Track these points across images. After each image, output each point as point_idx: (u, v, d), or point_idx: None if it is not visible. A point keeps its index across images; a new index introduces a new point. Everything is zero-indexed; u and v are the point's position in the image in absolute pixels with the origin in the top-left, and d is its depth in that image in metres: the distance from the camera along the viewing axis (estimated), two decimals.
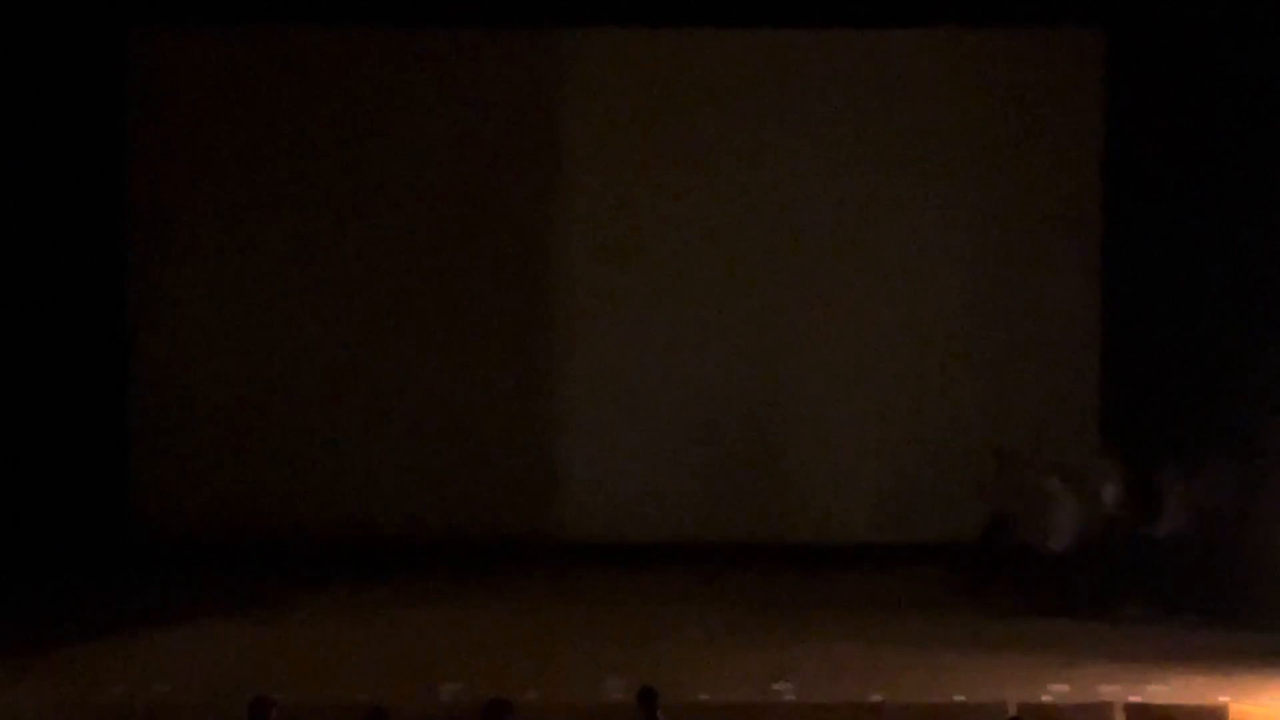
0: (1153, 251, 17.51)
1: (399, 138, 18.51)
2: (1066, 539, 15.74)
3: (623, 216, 18.61)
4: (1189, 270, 16.92)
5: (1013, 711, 11.84)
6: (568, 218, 18.63)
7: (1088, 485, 15.94)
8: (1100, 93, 18.36)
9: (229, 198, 18.51)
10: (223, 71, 18.47)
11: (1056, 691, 12.90)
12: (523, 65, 18.58)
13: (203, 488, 18.32)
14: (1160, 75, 17.48)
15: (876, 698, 12.69)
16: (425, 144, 18.54)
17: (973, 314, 18.61)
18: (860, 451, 18.42)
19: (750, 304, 18.62)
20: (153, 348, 18.46)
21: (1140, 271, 17.76)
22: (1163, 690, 12.93)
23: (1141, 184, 17.74)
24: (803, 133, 18.55)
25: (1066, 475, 16.01)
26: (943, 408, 18.46)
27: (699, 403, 18.48)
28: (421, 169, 18.55)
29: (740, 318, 18.59)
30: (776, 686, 13.03)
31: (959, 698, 12.71)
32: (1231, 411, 16.07)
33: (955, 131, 18.48)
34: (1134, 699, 12.65)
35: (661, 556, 17.42)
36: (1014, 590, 16.01)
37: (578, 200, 18.62)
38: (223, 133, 18.46)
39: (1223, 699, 12.66)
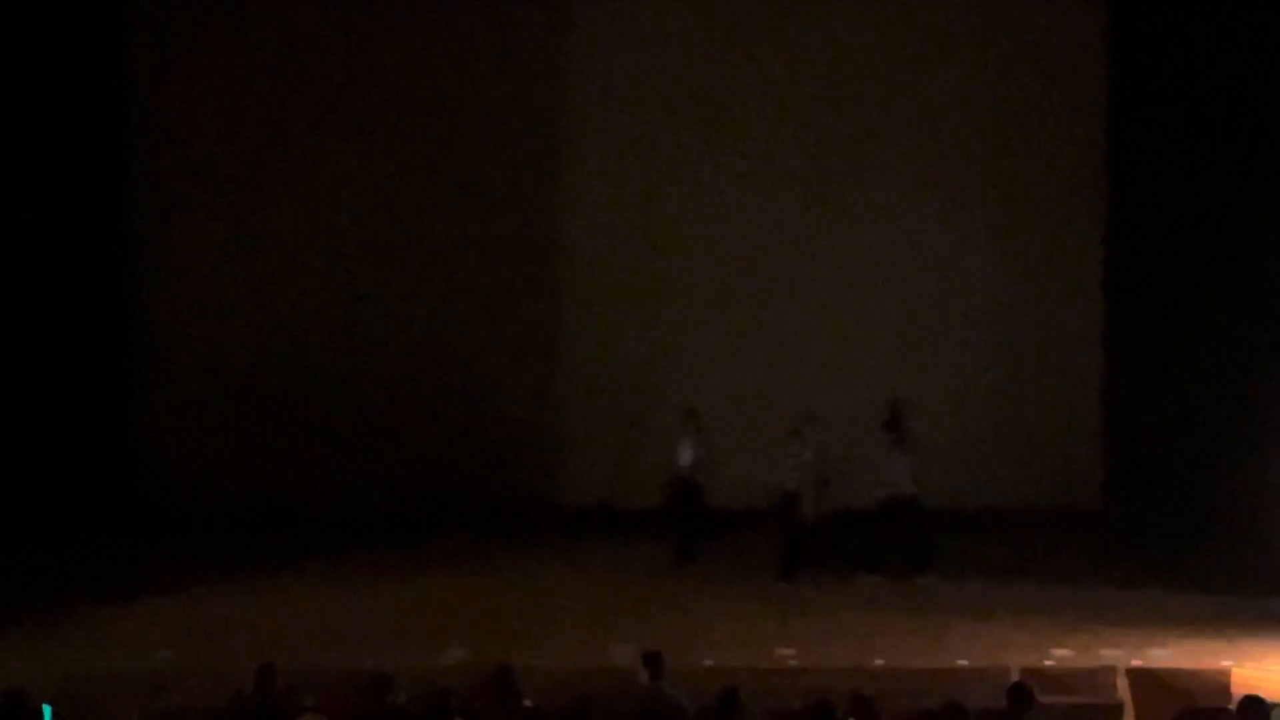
0: (1157, 229, 17.54)
1: (408, 107, 18.48)
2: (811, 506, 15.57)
3: (631, 193, 18.62)
4: (1194, 249, 16.94)
5: (1015, 676, 11.84)
6: (578, 193, 18.64)
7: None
8: (1103, 64, 18.35)
9: (236, 166, 18.53)
10: (229, 28, 18.44)
11: (1059, 656, 12.95)
12: (527, 22, 18.56)
13: (208, 458, 18.37)
14: (1160, 48, 17.50)
15: (880, 662, 12.74)
16: (435, 113, 18.52)
17: (975, 290, 18.65)
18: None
19: (755, 278, 18.66)
20: (159, 320, 18.55)
21: (1145, 250, 17.78)
22: (1165, 655, 12.99)
23: (1144, 164, 17.75)
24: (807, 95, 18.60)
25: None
26: (957, 385, 18.52)
27: (704, 378, 18.47)
28: (427, 147, 18.52)
29: (745, 296, 18.63)
30: (781, 651, 13.08)
31: (962, 662, 12.76)
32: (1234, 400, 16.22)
33: (961, 100, 18.51)
34: (1136, 663, 12.70)
35: (666, 525, 17.38)
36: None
37: (587, 177, 18.64)
38: (226, 94, 18.44)
39: (1225, 663, 12.70)
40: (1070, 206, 18.56)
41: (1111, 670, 12.60)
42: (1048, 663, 12.77)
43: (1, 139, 16.98)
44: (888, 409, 15.89)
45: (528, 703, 10.88)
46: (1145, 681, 12.42)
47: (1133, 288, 18.05)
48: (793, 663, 12.84)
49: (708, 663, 12.47)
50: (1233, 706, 10.49)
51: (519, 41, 18.53)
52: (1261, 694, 10.11)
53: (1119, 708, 12.19)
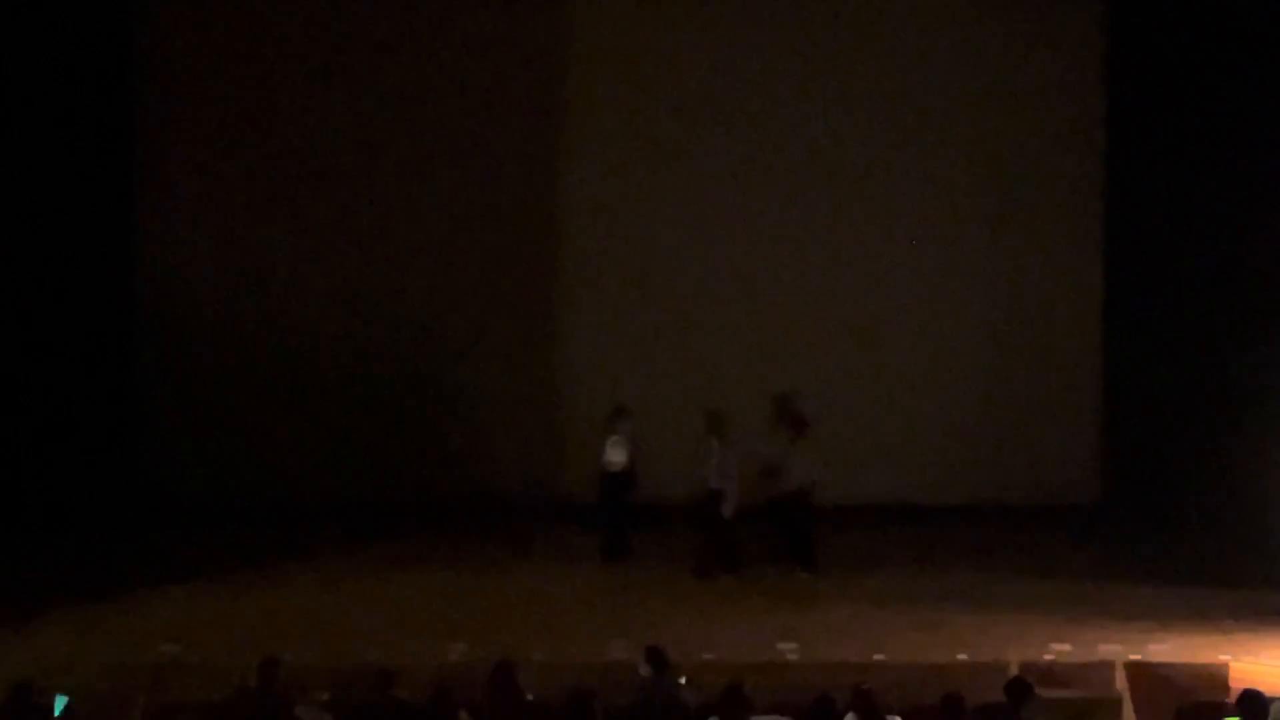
0: (1156, 224, 17.57)
1: (406, 102, 18.49)
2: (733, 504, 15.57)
3: (632, 191, 18.59)
4: (1192, 242, 16.97)
5: (1014, 670, 11.89)
6: (578, 191, 18.61)
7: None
8: (1102, 60, 18.41)
9: (237, 166, 18.50)
10: (233, 27, 18.44)
11: (1058, 650, 13.00)
12: (529, 24, 18.55)
13: (211, 453, 18.36)
14: (1159, 43, 17.54)
15: (880, 657, 12.79)
16: (436, 112, 18.51)
17: (973, 285, 18.66)
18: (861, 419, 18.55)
19: (752, 276, 18.64)
20: (162, 316, 18.49)
21: (1143, 243, 17.81)
22: (1163, 649, 13.04)
23: (1144, 161, 17.77)
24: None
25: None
26: (955, 380, 18.56)
27: (706, 377, 18.44)
28: (429, 140, 18.52)
29: (743, 293, 18.61)
30: (781, 646, 13.13)
31: (961, 657, 12.81)
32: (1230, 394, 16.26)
33: (959, 94, 18.51)
34: (1134, 657, 12.75)
35: (665, 519, 17.41)
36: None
37: (588, 175, 18.59)
38: (228, 90, 18.42)
39: (1223, 657, 12.75)
40: (1069, 201, 18.56)
41: (1110, 664, 12.65)
42: (1046, 657, 12.82)
43: (4, 139, 16.97)
44: (779, 405, 15.84)
45: (530, 697, 10.95)
46: (1143, 676, 12.47)
47: (1132, 281, 18.07)
48: (793, 658, 12.89)
49: (708, 657, 12.51)
50: (1231, 701, 10.57)
51: (522, 39, 18.50)
52: (1260, 688, 10.18)
53: (1117, 702, 12.26)
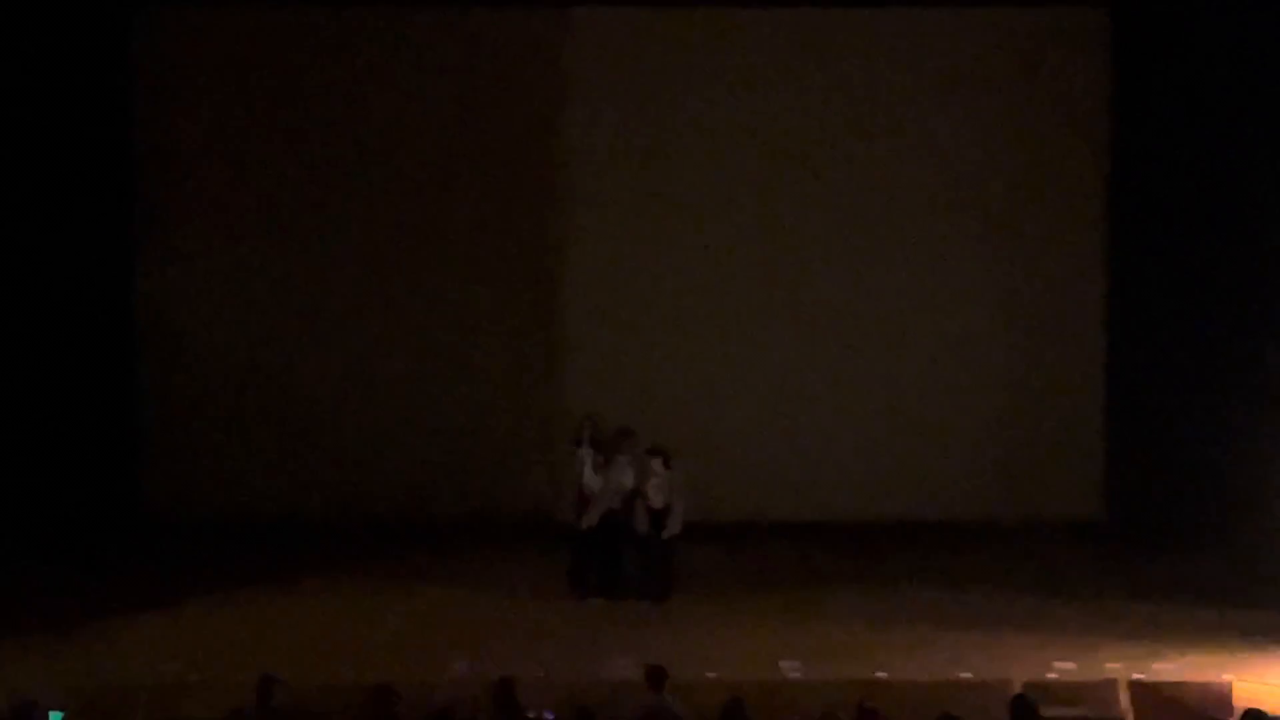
0: (1160, 238, 17.57)
1: (404, 125, 18.51)
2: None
3: (631, 213, 18.59)
4: (1197, 258, 16.96)
5: (1018, 688, 11.85)
6: (572, 208, 18.61)
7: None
8: (1106, 76, 18.39)
9: (234, 185, 18.51)
10: (227, 53, 18.48)
11: (1061, 669, 12.93)
12: (528, 44, 18.58)
13: (211, 471, 18.35)
14: (1163, 56, 17.54)
15: (882, 675, 12.73)
16: (431, 132, 18.54)
17: (975, 301, 18.63)
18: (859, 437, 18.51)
19: (751, 289, 18.65)
20: (163, 333, 18.49)
21: (1147, 260, 17.80)
22: (1167, 668, 12.97)
23: (1148, 177, 17.78)
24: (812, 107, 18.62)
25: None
26: (957, 398, 18.53)
27: (707, 394, 18.47)
28: (427, 161, 18.54)
29: (744, 309, 18.62)
30: (783, 664, 13.09)
31: (964, 675, 12.75)
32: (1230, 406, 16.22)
33: (960, 104, 18.49)
34: (1138, 676, 12.69)
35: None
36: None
37: (589, 195, 18.59)
38: (227, 114, 18.46)
39: (1227, 677, 12.69)
40: (1072, 217, 18.55)
41: (1113, 683, 12.59)
42: (1050, 675, 12.76)
43: (6, 150, 16.97)
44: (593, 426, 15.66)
45: (530, 715, 10.91)
46: (1147, 695, 12.42)
47: (1136, 297, 18.05)
48: (795, 676, 12.84)
49: (710, 675, 12.46)
50: None
51: (523, 63, 18.54)
52: (1263, 708, 10.15)
53: None
